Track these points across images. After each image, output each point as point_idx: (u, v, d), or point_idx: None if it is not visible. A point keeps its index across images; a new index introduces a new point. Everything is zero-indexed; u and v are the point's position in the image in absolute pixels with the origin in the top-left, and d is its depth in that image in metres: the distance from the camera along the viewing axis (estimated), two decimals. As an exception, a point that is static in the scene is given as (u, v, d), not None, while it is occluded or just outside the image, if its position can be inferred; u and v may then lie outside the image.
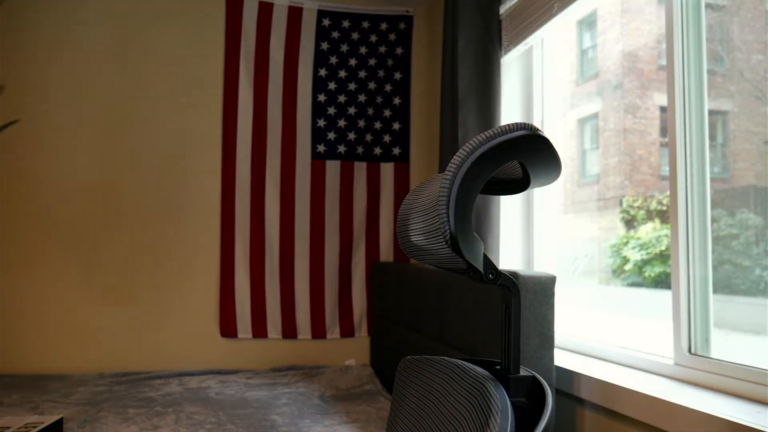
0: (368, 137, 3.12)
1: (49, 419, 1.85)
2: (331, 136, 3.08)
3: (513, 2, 2.18)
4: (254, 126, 2.99)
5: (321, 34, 3.07)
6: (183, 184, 2.94)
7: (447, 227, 0.66)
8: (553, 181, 0.75)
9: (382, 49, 3.14)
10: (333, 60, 3.09)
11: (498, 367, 0.77)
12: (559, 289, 1.61)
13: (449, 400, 0.75)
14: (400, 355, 2.37)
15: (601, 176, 3.39)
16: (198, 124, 2.97)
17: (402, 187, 3.16)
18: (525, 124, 0.68)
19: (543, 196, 2.31)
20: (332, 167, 3.08)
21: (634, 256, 2.93)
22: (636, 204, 3.08)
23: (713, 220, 1.48)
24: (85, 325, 2.80)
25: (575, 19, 2.74)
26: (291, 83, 3.04)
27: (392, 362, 2.68)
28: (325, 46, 3.08)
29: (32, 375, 2.65)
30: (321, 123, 3.07)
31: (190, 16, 2.98)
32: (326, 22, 3.08)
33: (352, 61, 3.11)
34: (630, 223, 3.08)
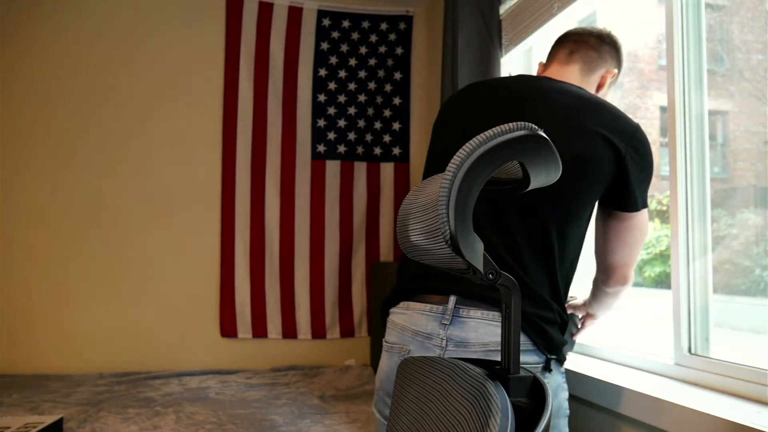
0: (368, 137, 3.12)
1: (49, 419, 1.85)
2: (331, 136, 3.08)
3: (513, 2, 2.18)
4: (254, 126, 2.99)
5: (321, 34, 3.07)
6: (183, 184, 2.94)
7: (447, 227, 0.66)
8: (553, 181, 0.75)
9: (382, 49, 3.14)
10: (333, 60, 3.09)
11: (498, 367, 0.77)
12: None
13: (449, 400, 0.75)
14: (400, 355, 2.36)
15: (601, 176, 3.37)
16: (198, 124, 2.97)
17: (402, 187, 3.16)
18: (525, 124, 0.68)
19: (543, 196, 2.30)
20: (332, 167, 3.08)
21: (634, 256, 2.93)
22: (636, 204, 3.07)
23: (713, 220, 1.48)
24: (85, 325, 2.80)
25: (575, 19, 2.74)
26: (291, 83, 3.04)
27: (392, 362, 2.68)
28: (325, 46, 3.08)
29: (32, 375, 2.65)
30: (321, 123, 3.07)
31: (190, 16, 2.98)
32: (326, 22, 3.08)
33: (352, 61, 3.11)
34: (630, 223, 3.07)
